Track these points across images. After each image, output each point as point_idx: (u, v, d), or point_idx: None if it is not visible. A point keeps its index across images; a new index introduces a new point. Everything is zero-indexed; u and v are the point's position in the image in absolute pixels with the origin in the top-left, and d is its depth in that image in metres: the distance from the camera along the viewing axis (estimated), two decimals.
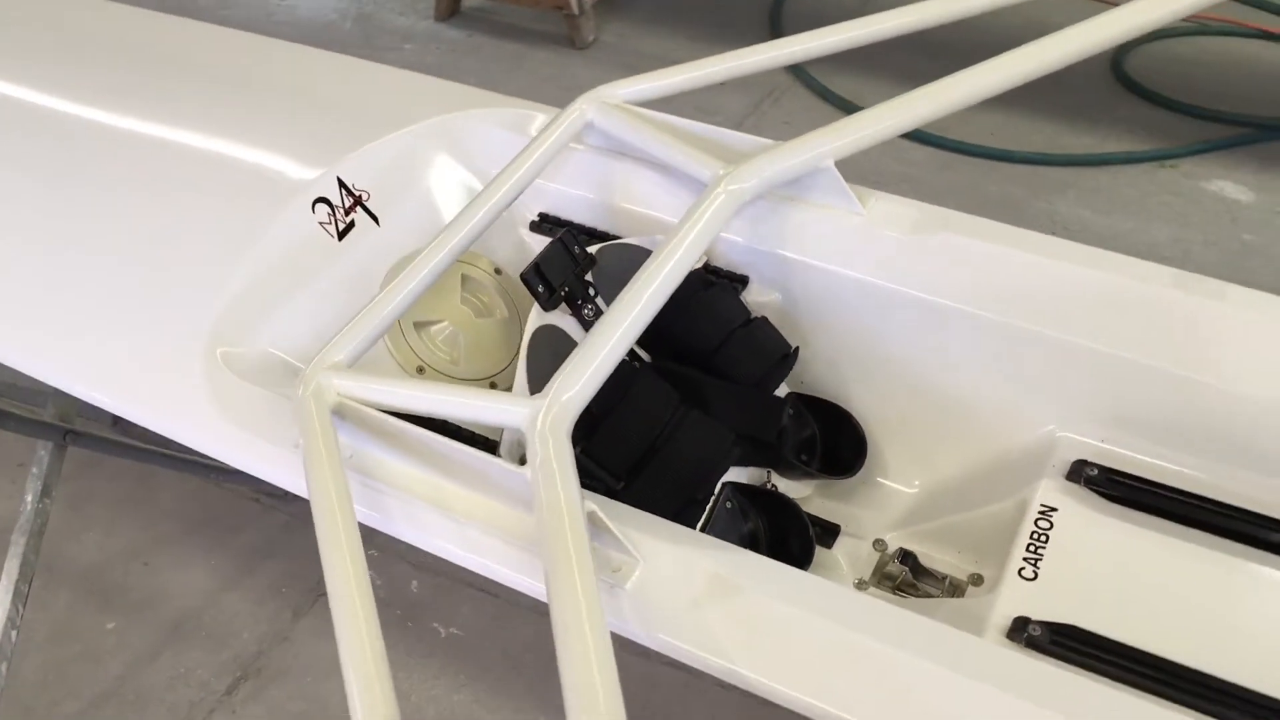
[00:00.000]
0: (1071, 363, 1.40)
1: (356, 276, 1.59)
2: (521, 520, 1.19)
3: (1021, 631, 1.23)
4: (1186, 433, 1.35)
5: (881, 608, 1.12)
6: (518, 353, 1.52)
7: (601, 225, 1.63)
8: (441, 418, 1.30)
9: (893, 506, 1.56)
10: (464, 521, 1.21)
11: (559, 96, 1.76)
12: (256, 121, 1.74)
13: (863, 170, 3.48)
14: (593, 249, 1.57)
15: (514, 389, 1.41)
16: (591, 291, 1.53)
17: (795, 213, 1.51)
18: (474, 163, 1.73)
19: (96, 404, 1.44)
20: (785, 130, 4.08)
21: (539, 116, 1.72)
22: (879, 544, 1.56)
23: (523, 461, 1.16)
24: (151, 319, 1.46)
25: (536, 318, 1.49)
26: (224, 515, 2.83)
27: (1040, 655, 1.20)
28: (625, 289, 1.31)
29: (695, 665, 1.10)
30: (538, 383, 1.41)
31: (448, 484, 1.22)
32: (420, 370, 1.58)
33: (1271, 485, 1.30)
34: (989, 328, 1.43)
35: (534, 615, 2.57)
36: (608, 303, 1.38)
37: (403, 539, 1.23)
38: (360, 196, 1.61)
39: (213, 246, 1.51)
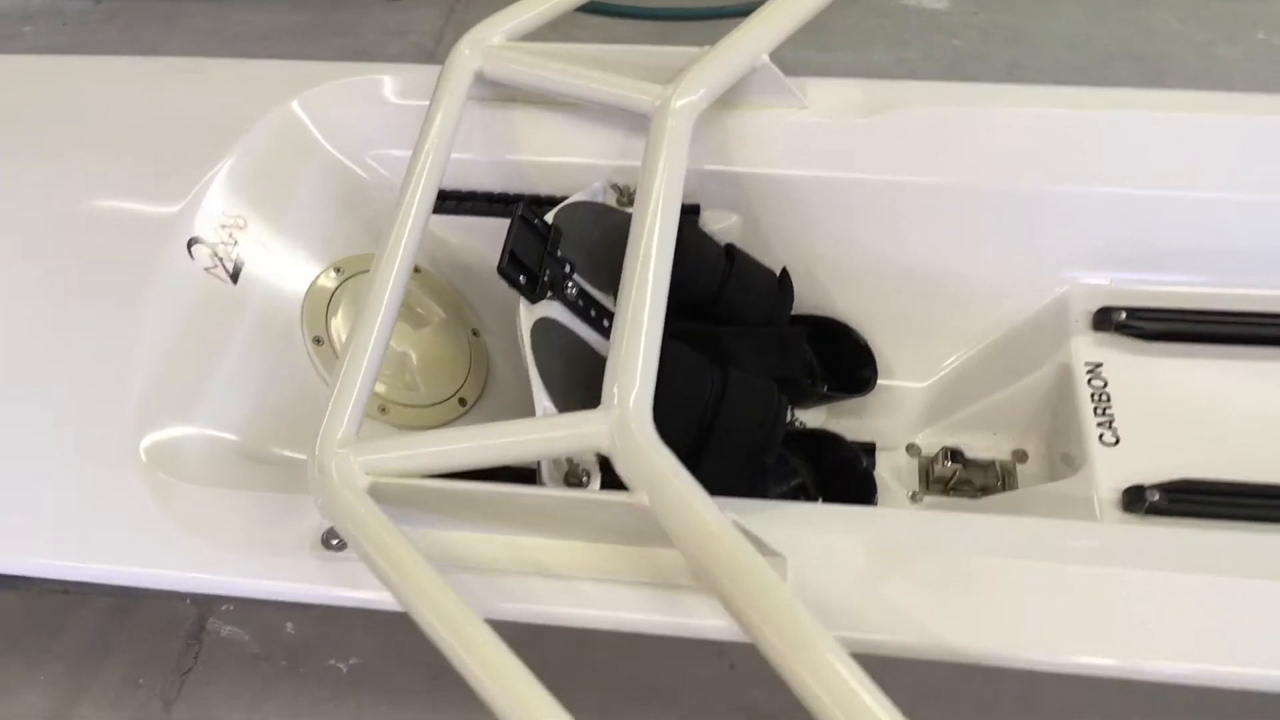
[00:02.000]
0: (1055, 211, 1.36)
1: (271, 318, 1.30)
2: (628, 556, 1.02)
3: (1139, 501, 1.20)
4: (1184, 251, 1.35)
5: (1030, 526, 1.04)
6: (472, 358, 1.30)
7: (512, 189, 1.41)
8: (500, 464, 1.09)
9: (909, 408, 1.49)
10: (575, 579, 1.03)
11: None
12: (76, 169, 1.37)
13: None
14: (547, 217, 1.35)
15: (537, 403, 1.20)
16: (568, 268, 1.33)
17: (734, 121, 1.37)
18: (343, 145, 1.45)
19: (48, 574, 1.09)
20: None
21: (386, 78, 1.46)
22: (913, 449, 1.49)
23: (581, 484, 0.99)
24: (60, 453, 1.13)
25: (526, 314, 1.27)
26: (32, 621, 2.40)
27: (1166, 519, 1.17)
28: (630, 256, 1.14)
29: (910, 655, 0.98)
30: (567, 389, 1.21)
31: (535, 541, 1.03)
32: (383, 410, 1.33)
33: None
34: (965, 196, 1.36)
35: None
36: (585, 276, 1.20)
37: (511, 619, 1.02)
38: (236, 224, 1.31)
39: (93, 339, 1.18)
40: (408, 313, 1.42)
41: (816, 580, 1.00)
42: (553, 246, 1.30)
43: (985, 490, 1.43)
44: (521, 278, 1.27)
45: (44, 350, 1.19)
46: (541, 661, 2.22)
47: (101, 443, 1.12)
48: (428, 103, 1.44)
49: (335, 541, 1.06)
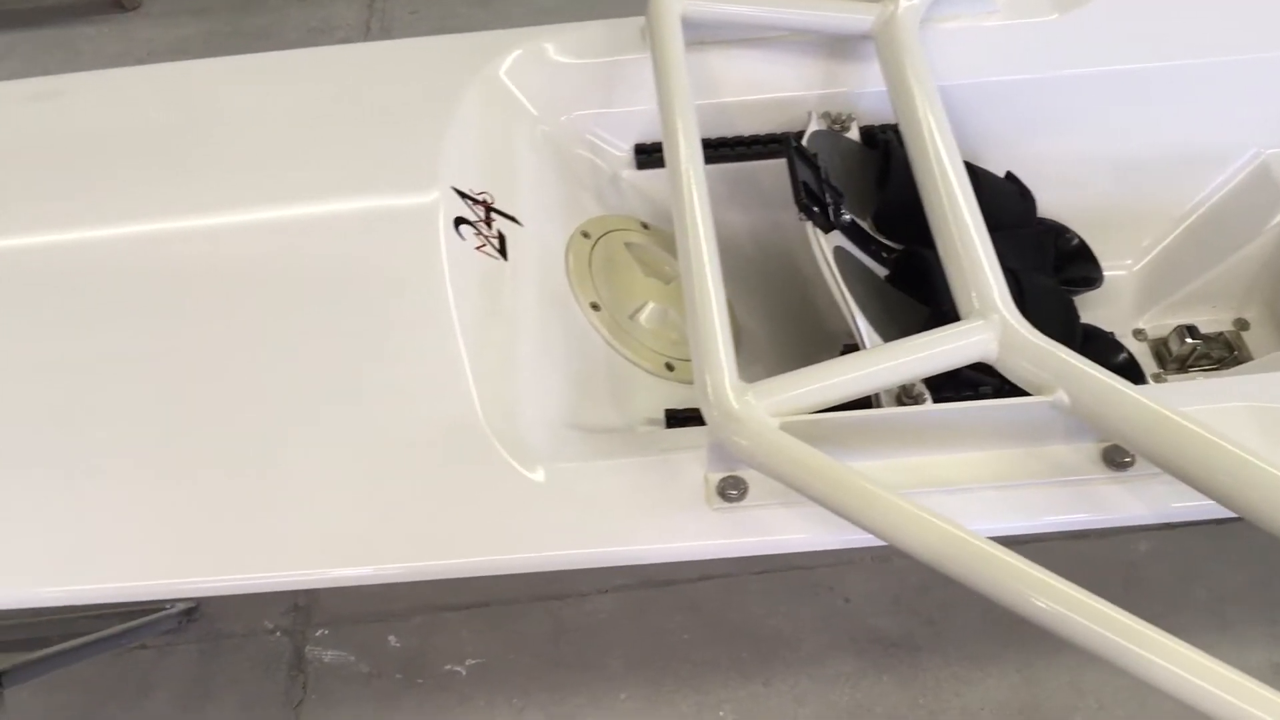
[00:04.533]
0: (1250, 81, 1.43)
1: (545, 289, 1.27)
2: (1022, 459, 1.05)
3: None
4: None
5: None
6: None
7: (713, 133, 1.40)
8: (894, 385, 1.09)
9: (1125, 296, 1.55)
10: (978, 488, 1.04)
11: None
12: (311, 167, 1.29)
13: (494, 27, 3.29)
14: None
15: (863, 336, 1.20)
16: (840, 197, 1.33)
17: (927, 37, 1.39)
18: (544, 108, 1.41)
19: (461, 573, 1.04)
20: (416, 21, 3.76)
21: (579, 34, 1.44)
22: (1140, 335, 1.55)
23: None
24: (431, 458, 1.08)
25: (823, 245, 1.27)
26: (120, 683, 2.27)
27: None
28: (927, 175, 1.16)
29: None
30: (891, 317, 1.22)
31: (930, 459, 1.04)
32: (669, 368, 1.31)
33: None
34: (1163, 77, 1.42)
35: (534, 603, 2.35)
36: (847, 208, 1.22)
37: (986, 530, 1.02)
38: (486, 200, 1.27)
39: (422, 339, 1.13)
40: (654, 270, 1.40)
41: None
42: (827, 175, 1.31)
43: (1221, 363, 1.51)
44: (816, 207, 1.27)
45: (389, 360, 1.14)
46: (648, 623, 2.23)
47: (467, 442, 1.08)
48: (606, 59, 1.43)
49: (734, 492, 1.05)
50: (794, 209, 1.36)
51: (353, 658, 2.30)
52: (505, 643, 2.30)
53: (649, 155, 1.47)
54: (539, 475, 1.07)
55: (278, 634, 2.33)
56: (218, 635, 2.35)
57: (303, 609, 2.36)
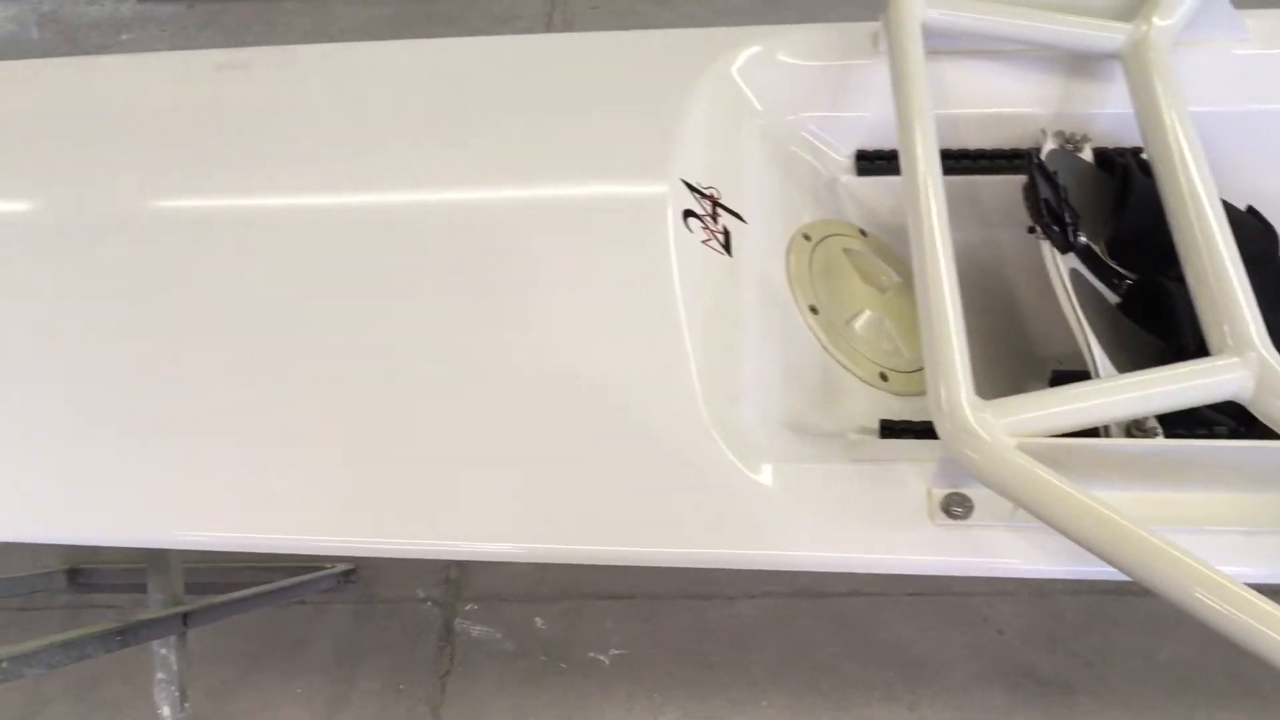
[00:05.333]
0: None
1: (765, 288, 1.27)
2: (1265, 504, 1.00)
3: None
4: None
5: None
6: None
7: (949, 144, 1.38)
8: (1138, 417, 1.06)
9: None
10: (1225, 530, 1.01)
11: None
12: (543, 151, 1.32)
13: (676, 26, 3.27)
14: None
15: (1098, 363, 1.17)
16: (1077, 218, 1.30)
17: (1175, 60, 1.34)
18: (770, 108, 1.42)
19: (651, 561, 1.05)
20: (596, 15, 3.80)
21: (810, 36, 1.44)
22: None
23: None
24: (651, 442, 1.09)
25: (1059, 266, 1.24)
26: (278, 635, 2.34)
27: None
28: (1176, 198, 1.12)
29: None
30: (1121, 346, 1.19)
31: (1174, 495, 1.01)
32: (884, 378, 1.30)
33: None
34: None
35: (680, 600, 2.35)
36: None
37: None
38: (713, 195, 1.28)
39: (648, 323, 1.14)
40: (871, 278, 1.39)
41: None
42: (1066, 195, 1.28)
43: None
44: (1055, 228, 1.25)
45: (609, 344, 1.15)
46: (794, 632, 2.21)
47: (687, 433, 1.08)
48: (836, 63, 1.42)
49: (959, 510, 1.03)
50: (1013, 227, 1.33)
51: (499, 635, 2.33)
52: (649, 637, 2.30)
53: (870, 162, 1.45)
54: (758, 472, 1.07)
55: (429, 604, 2.38)
56: (372, 599, 2.41)
57: (454, 582, 2.41)
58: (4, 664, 1.21)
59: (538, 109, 1.38)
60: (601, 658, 2.30)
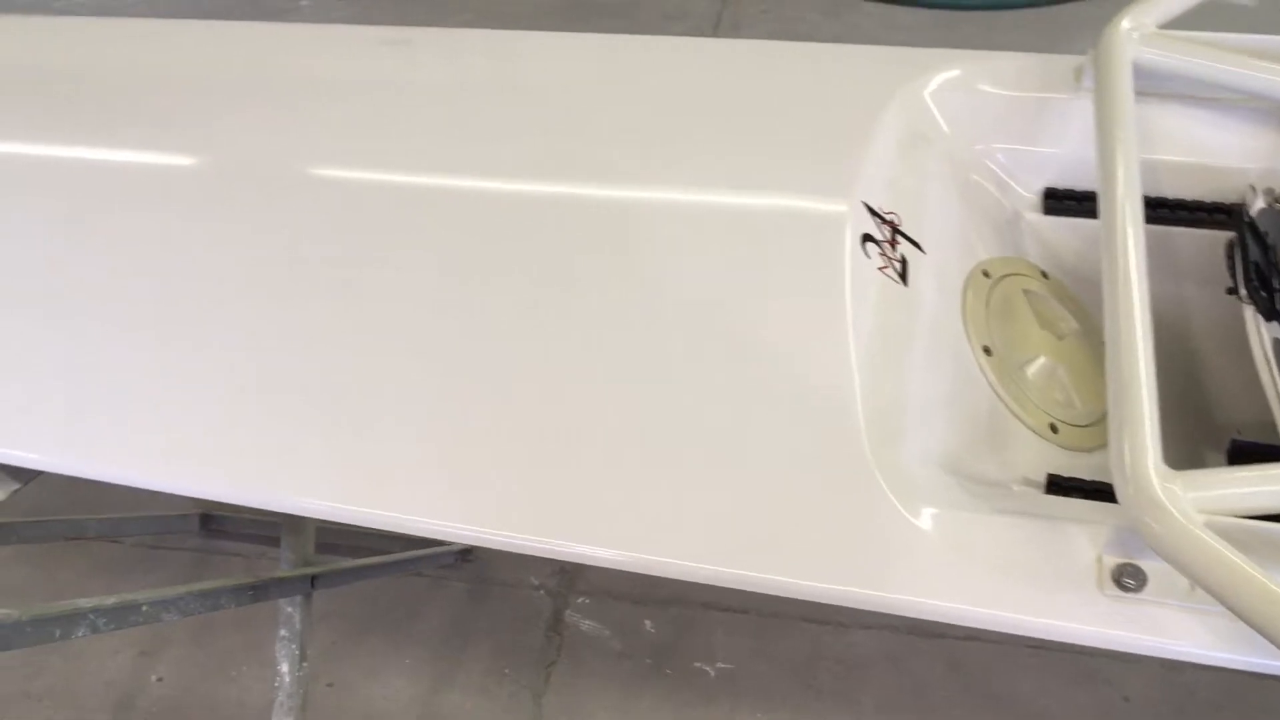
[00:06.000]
0: None
1: (938, 323, 1.23)
2: None
3: None
4: None
5: None
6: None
7: (1146, 190, 1.32)
8: None
9: None
10: None
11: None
12: (719, 155, 1.30)
13: (843, 38, 3.21)
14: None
15: None
16: None
17: None
18: (960, 135, 1.37)
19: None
20: (764, 19, 3.77)
21: (1007, 64, 1.38)
22: None
23: None
24: (797, 461, 1.05)
25: (1263, 332, 1.18)
26: (392, 603, 2.38)
27: None
28: None
29: None
30: None
31: None
32: (1054, 429, 1.25)
33: None
34: None
35: (795, 621, 2.31)
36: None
37: None
38: (893, 221, 1.23)
39: (810, 345, 1.10)
40: (1049, 323, 1.33)
41: None
42: (1276, 258, 1.20)
43: None
44: (1263, 292, 1.18)
45: (771, 361, 1.11)
46: (908, 670, 2.14)
47: (846, 464, 1.04)
48: (1034, 94, 1.36)
49: (1131, 582, 0.97)
50: (1207, 285, 1.25)
51: (608, 632, 2.33)
52: (759, 654, 2.27)
53: (1059, 201, 1.39)
54: (916, 515, 1.03)
55: (541, 592, 2.39)
56: (487, 580, 2.43)
57: (568, 573, 2.41)
58: (144, 607, 1.24)
59: (716, 114, 1.36)
60: (708, 669, 2.27)
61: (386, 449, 1.17)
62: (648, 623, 2.34)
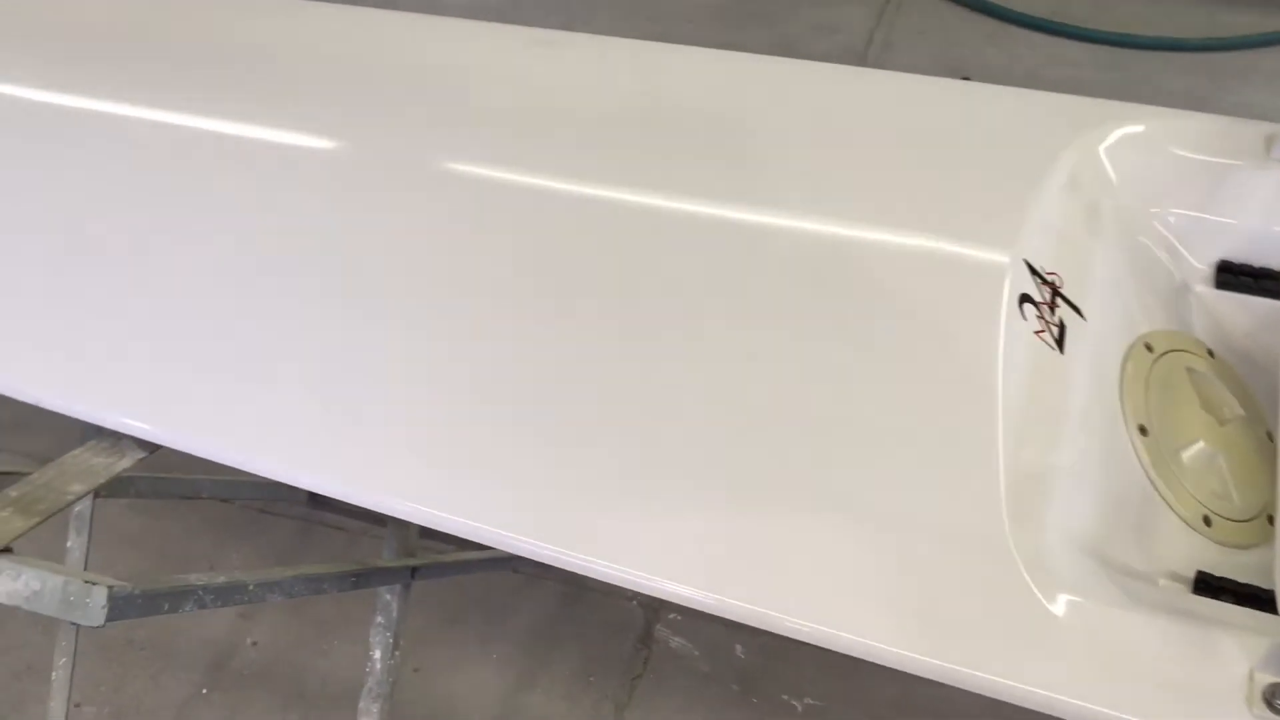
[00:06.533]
0: None
1: (1093, 395, 1.16)
2: None
3: None
4: None
5: None
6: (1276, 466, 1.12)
7: None
8: None
9: None
10: None
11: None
12: (874, 186, 1.25)
13: (1013, 76, 3.07)
14: None
15: None
16: None
17: None
18: (1133, 197, 1.30)
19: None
20: (921, 42, 3.67)
21: (1189, 124, 1.31)
22: None
23: None
24: (928, 531, 1.01)
25: None
26: (485, 595, 2.37)
27: None
28: None
29: None
30: None
31: None
32: (1207, 522, 1.18)
33: None
34: None
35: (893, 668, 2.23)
36: None
37: None
38: (1054, 283, 1.17)
39: (951, 408, 1.05)
40: (1212, 406, 1.25)
41: None
42: None
43: None
44: None
45: (910, 416, 1.07)
46: None
47: (980, 537, 0.99)
48: (1218, 160, 1.29)
49: None
50: None
51: (697, 653, 2.29)
52: (849, 695, 2.21)
53: (1234, 276, 1.31)
54: (1052, 600, 0.97)
55: (634, 603, 2.36)
56: (581, 584, 2.41)
57: None
58: (251, 587, 1.25)
59: (876, 148, 1.31)
60: (795, 703, 2.22)
61: (515, 466, 1.15)
62: (738, 647, 2.30)
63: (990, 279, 1.11)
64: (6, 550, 1.05)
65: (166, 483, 1.90)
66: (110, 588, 1.01)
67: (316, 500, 2.46)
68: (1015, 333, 1.09)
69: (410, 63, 1.62)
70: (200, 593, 1.18)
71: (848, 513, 1.04)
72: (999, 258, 1.13)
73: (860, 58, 3.60)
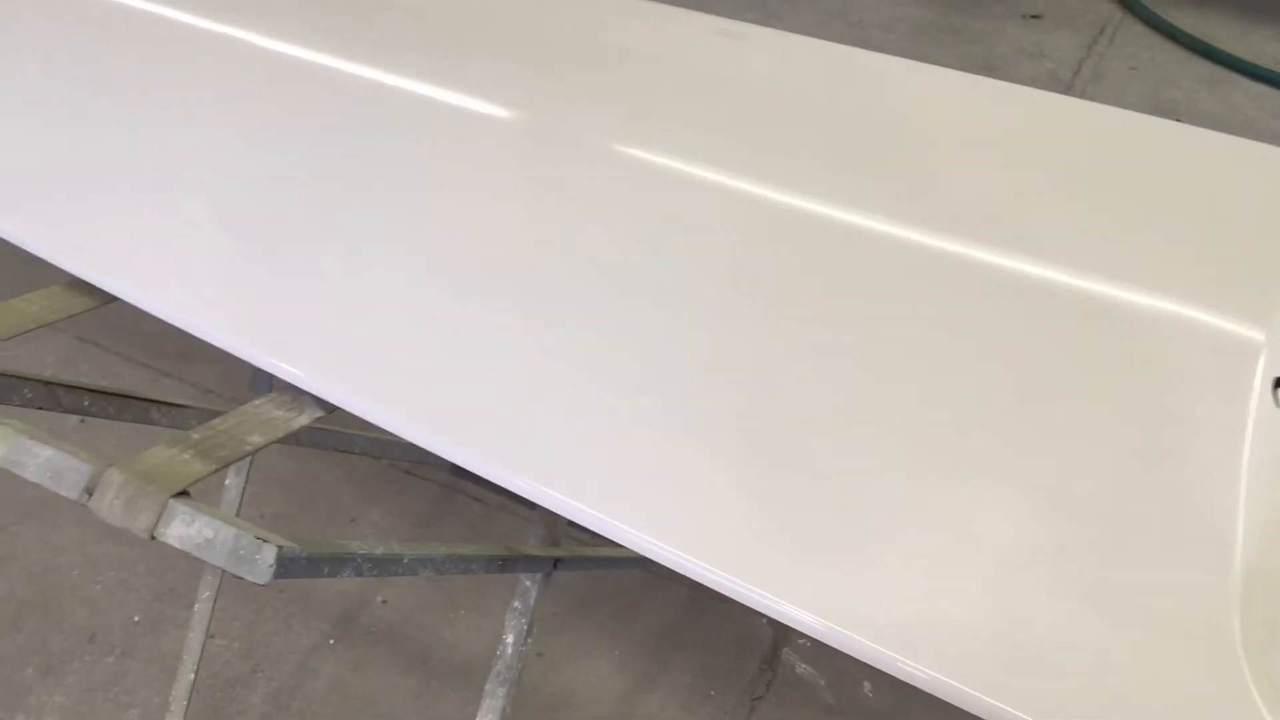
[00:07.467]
0: None
1: None
2: None
3: None
4: None
5: None
6: None
7: None
8: None
9: None
10: None
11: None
12: (1087, 230, 1.17)
13: (1229, 126, 2.85)
14: None
15: None
16: None
17: None
18: None
19: None
20: (1133, 78, 3.49)
21: None
22: None
23: None
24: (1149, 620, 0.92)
25: None
26: (612, 591, 2.34)
27: None
28: None
29: None
30: None
31: None
32: None
33: None
34: None
35: None
36: None
37: None
38: None
39: (1179, 492, 0.96)
40: None
41: None
42: None
43: None
44: None
45: (1131, 484, 0.98)
46: None
47: (1204, 643, 0.90)
48: None
49: None
50: None
51: (823, 682, 2.22)
52: None
53: None
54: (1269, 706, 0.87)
55: (764, 622, 2.30)
56: (711, 592, 2.36)
57: None
58: (406, 560, 1.24)
59: (1104, 190, 1.21)
60: None
61: (680, 477, 1.11)
62: (866, 684, 2.22)
63: (1244, 355, 1.02)
64: (184, 494, 1.05)
65: (325, 434, 1.92)
66: (280, 548, 1.00)
67: (458, 470, 2.47)
68: (1266, 420, 0.99)
69: (590, 39, 1.59)
70: (359, 560, 1.17)
71: (1050, 582, 0.96)
72: (1254, 332, 1.03)
73: (1066, 87, 3.45)
